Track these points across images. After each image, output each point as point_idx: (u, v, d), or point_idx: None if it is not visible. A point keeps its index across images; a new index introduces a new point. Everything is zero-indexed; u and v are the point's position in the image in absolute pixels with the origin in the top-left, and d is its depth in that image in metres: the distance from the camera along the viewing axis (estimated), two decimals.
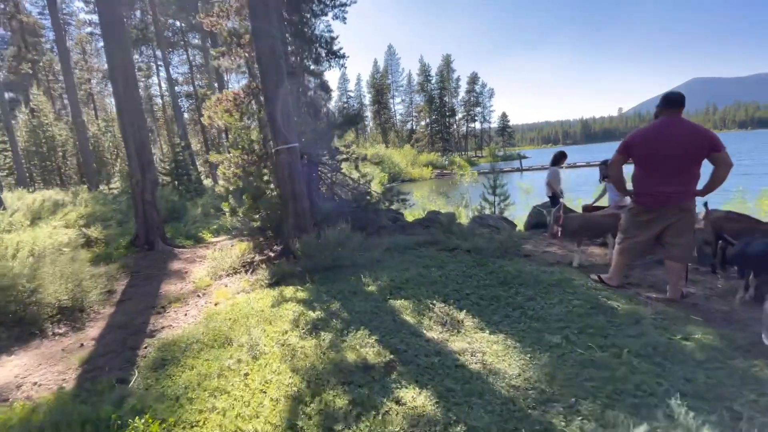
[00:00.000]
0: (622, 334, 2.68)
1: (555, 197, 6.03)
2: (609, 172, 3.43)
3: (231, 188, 6.00)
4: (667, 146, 3.04)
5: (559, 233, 4.21)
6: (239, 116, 6.49)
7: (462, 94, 72.77)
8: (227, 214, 6.25)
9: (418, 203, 11.88)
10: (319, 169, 7.36)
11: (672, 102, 3.11)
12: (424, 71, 68.73)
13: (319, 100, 7.34)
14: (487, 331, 2.88)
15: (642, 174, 3.25)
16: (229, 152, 6.93)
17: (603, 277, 3.73)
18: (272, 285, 4.34)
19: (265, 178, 5.86)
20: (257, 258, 5.45)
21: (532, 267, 4.21)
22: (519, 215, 9.43)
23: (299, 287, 4.10)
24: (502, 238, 4.98)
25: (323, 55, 7.77)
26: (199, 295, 4.59)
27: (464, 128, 74.77)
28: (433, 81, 69.05)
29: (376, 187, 9.71)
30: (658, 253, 3.38)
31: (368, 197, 7.05)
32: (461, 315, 3.14)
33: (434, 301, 3.40)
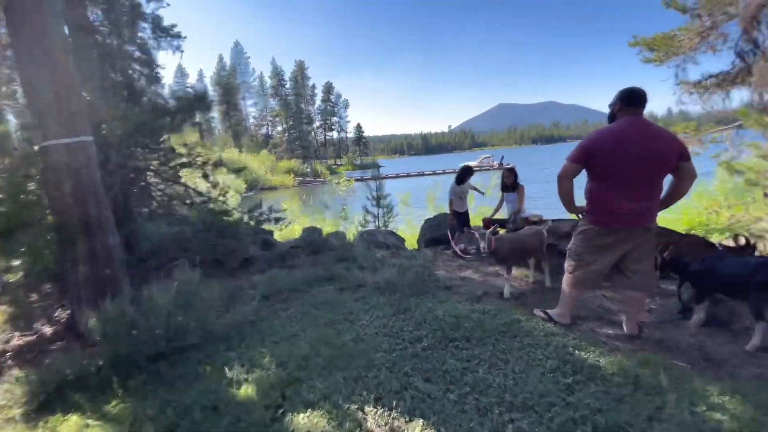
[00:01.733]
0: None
1: (461, 216, 5.44)
2: (560, 185, 2.70)
3: None
4: (636, 153, 2.43)
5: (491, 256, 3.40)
6: None
7: (318, 102, 72.47)
8: None
9: (288, 215, 10.17)
10: (148, 178, 5.05)
11: (637, 98, 2.54)
12: (277, 74, 65.62)
13: (141, 79, 5.04)
14: None
15: (602, 187, 2.60)
16: None
17: (552, 315, 3.01)
18: (35, 412, 2.20)
19: (33, 192, 3.39)
20: (15, 342, 3.01)
21: (465, 306, 3.25)
22: (396, 226, 8.79)
23: (94, 413, 2.12)
24: (415, 265, 3.93)
25: (149, 31, 5.46)
26: None
27: (322, 137, 74.56)
28: (287, 86, 66.51)
29: (234, 201, 7.68)
30: (617, 283, 2.82)
31: (226, 217, 5.13)
32: (415, 428, 1.87)
33: (361, 405, 2.03)
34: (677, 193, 2.60)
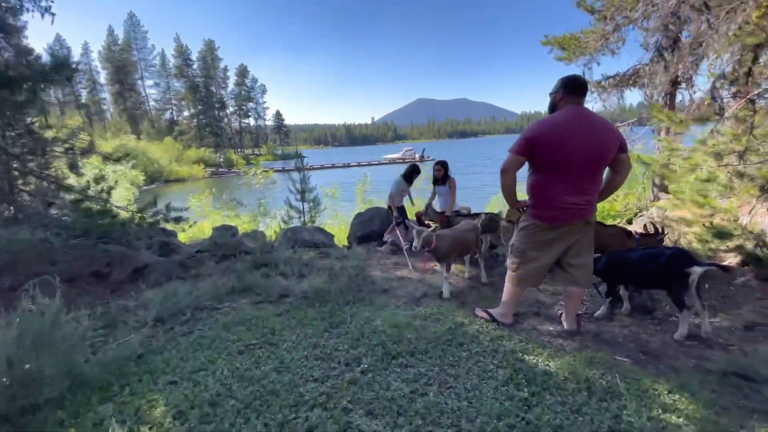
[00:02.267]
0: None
1: (399, 210, 5.15)
2: (503, 179, 2.50)
3: None
4: (581, 145, 2.31)
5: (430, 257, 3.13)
6: None
7: (231, 86, 67.12)
8: None
9: (195, 210, 8.94)
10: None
11: (580, 86, 2.41)
12: (182, 53, 58.93)
13: None
14: None
15: (546, 180, 2.46)
16: None
17: (494, 315, 2.85)
18: None
19: None
20: None
21: (405, 312, 2.94)
22: (323, 221, 8.27)
23: None
24: (348, 267, 3.51)
25: None
26: None
27: (237, 124, 69.39)
28: (194, 66, 60.23)
29: (121, 197, 6.51)
30: (558, 278, 2.74)
31: (107, 217, 4.13)
32: None
33: None
34: (615, 185, 2.56)
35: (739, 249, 3.52)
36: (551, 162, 2.38)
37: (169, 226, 5.05)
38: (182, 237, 6.31)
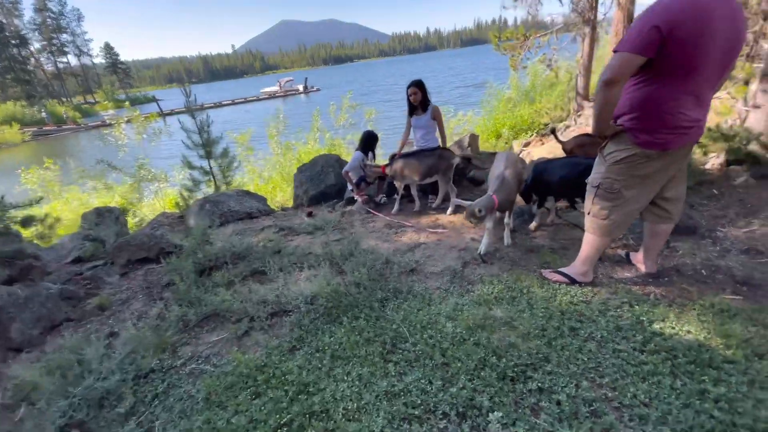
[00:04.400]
0: None
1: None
2: (607, 93, 1.69)
3: None
4: (722, 33, 1.62)
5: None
6: None
7: (31, 14, 49.70)
8: None
9: (35, 191, 6.26)
10: None
11: None
12: None
13: None
14: None
15: (669, 91, 1.72)
16: None
17: (572, 275, 2.26)
18: None
19: None
20: None
21: (465, 300, 2.14)
22: (242, 183, 6.59)
23: None
24: (344, 243, 2.49)
25: None
26: None
27: (52, 65, 53.12)
28: None
29: None
30: (647, 217, 2.20)
31: None
32: None
33: None
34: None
35: (728, 150, 3.52)
36: (684, 62, 1.64)
37: (17, 228, 3.12)
38: (34, 238, 4.19)
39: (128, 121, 8.62)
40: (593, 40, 6.70)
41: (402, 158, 3.55)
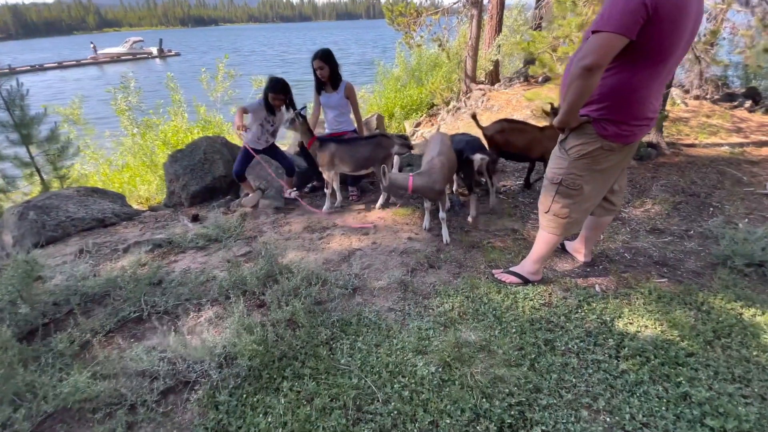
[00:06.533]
0: None
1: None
2: (587, 79, 1.44)
3: None
4: (693, 15, 1.53)
5: None
6: None
7: None
8: None
9: None
10: None
11: None
12: None
13: None
14: None
15: (640, 79, 1.58)
16: None
17: (524, 275, 2.11)
18: None
19: None
20: None
21: (427, 323, 1.79)
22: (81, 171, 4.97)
23: None
24: (259, 262, 1.89)
25: None
26: None
27: None
28: None
29: None
30: (595, 211, 2.13)
31: None
32: None
33: None
34: None
35: None
36: (662, 45, 1.50)
37: None
38: None
39: None
40: (480, 22, 6.89)
41: (333, 143, 2.90)
